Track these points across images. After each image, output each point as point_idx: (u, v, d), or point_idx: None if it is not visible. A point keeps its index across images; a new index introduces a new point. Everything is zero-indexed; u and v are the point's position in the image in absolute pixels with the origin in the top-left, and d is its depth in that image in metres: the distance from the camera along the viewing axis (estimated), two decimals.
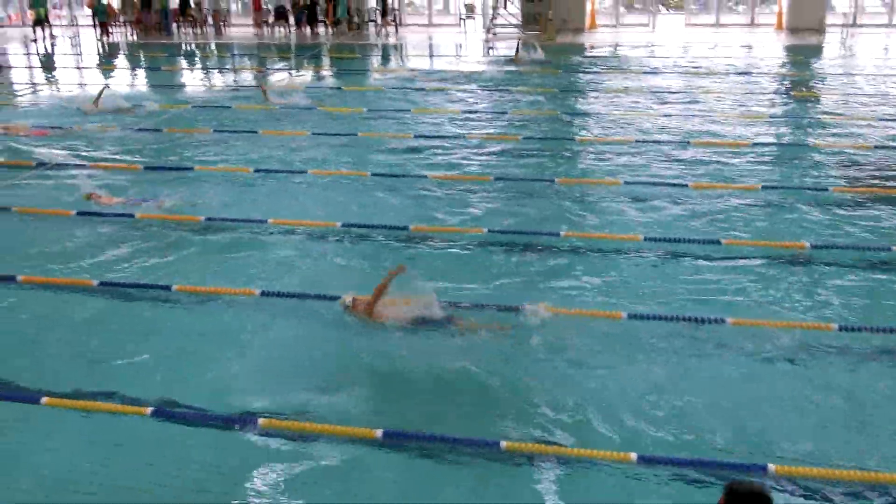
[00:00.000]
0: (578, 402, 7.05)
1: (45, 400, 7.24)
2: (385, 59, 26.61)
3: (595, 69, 23.36)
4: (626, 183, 12.91)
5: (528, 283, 9.52)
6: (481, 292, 9.22)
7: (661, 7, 34.89)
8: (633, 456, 6.18)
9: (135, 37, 31.59)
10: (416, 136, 15.85)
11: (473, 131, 16.41)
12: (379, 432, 6.57)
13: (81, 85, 23.76)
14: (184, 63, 27.55)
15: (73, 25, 34.59)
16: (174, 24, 31.92)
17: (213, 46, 29.65)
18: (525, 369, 7.64)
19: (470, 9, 32.34)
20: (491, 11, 30.64)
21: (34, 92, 23.31)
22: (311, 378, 7.64)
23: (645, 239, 10.54)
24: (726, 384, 7.30)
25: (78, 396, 7.34)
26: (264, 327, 8.66)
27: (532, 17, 29.87)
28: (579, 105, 19.00)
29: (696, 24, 32.18)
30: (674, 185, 12.82)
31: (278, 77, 22.80)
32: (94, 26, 31.54)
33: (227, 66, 25.68)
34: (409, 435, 6.60)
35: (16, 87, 24.11)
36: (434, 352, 7.98)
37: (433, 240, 10.81)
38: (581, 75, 22.56)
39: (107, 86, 20.05)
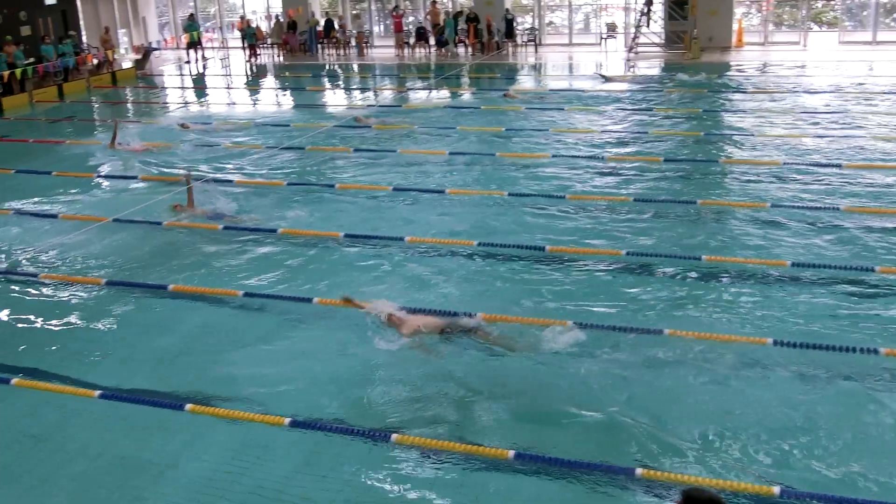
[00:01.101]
0: (720, 430, 6.77)
1: (188, 407, 7.48)
2: (524, 78, 26.57)
3: (741, 88, 22.65)
4: (773, 206, 12.39)
5: (667, 308, 9.25)
6: (619, 315, 9.01)
7: (812, 24, 33.55)
8: (776, 490, 5.86)
9: (281, 58, 32.73)
10: (554, 156, 15.70)
11: (613, 151, 16.14)
12: (511, 453, 6.50)
13: (230, 104, 24.76)
14: (327, 83, 28.33)
15: (223, 48, 36.15)
16: (319, 46, 32.90)
17: (355, 67, 30.39)
18: (662, 393, 7.42)
19: (611, 28, 31.97)
20: (633, 30, 30.21)
21: (186, 109, 24.44)
22: (445, 395, 7.63)
23: (792, 265, 10.07)
24: (879, 419, 6.86)
25: (219, 404, 7.58)
26: (398, 343, 8.71)
27: (676, 36, 29.27)
28: (724, 125, 18.41)
29: (850, 42, 30.75)
30: (824, 208, 12.21)
31: (420, 96, 23.16)
32: (244, 48, 32.88)
33: (369, 87, 26.21)
34: (542, 458, 6.48)
35: (170, 105, 25.33)
36: (560, 374, 7.86)
37: (570, 261, 10.66)
38: (727, 95, 21.91)
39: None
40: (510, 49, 30.90)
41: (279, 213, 13.21)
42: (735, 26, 30.48)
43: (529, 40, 31.56)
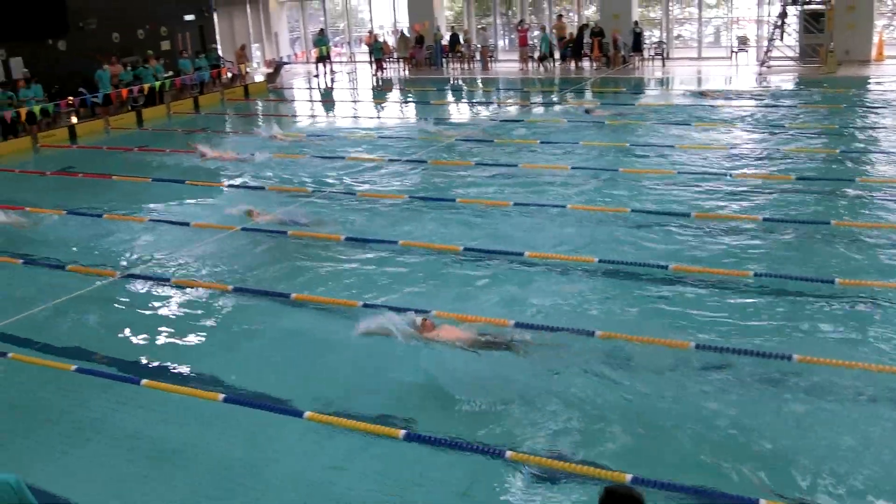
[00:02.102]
0: (849, 465, 6.43)
1: (308, 414, 7.60)
2: (650, 93, 26.10)
3: (881, 104, 21.59)
4: None
5: (797, 332, 8.87)
6: (748, 338, 8.69)
7: None
8: None
9: (406, 72, 33.20)
10: (679, 173, 15.32)
11: (742, 169, 15.62)
12: (629, 476, 6.35)
13: (355, 117, 25.22)
14: (451, 97, 28.55)
15: (351, 62, 36.93)
16: (444, 60, 33.21)
17: (479, 81, 30.53)
18: (792, 423, 7.11)
19: (743, 41, 31.06)
20: (766, 43, 29.29)
21: (314, 121, 25.06)
22: (563, 413, 7.52)
23: None
24: None
25: (337, 413, 7.67)
26: (509, 359, 8.64)
27: (811, 49, 28.22)
28: (862, 143, 17.57)
29: None
30: None
31: (538, 112, 23.04)
32: (371, 62, 33.51)
33: (492, 101, 26.26)
34: (661, 483, 6.28)
35: (300, 117, 26.02)
36: (681, 396, 7.64)
37: (695, 281, 10.35)
38: (865, 111, 20.92)
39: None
40: (637, 63, 30.41)
41: (399, 225, 13.35)
42: (875, 39, 29.14)
43: (657, 54, 31.01)
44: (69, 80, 25.83)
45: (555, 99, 25.15)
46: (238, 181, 16.94)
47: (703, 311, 9.55)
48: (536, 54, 31.40)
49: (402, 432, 7.21)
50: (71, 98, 25.01)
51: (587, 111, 22.45)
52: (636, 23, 30.57)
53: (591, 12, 33.85)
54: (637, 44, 30.36)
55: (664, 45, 31.37)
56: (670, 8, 32.72)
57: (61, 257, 12.75)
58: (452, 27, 34.66)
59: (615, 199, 14.13)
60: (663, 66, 30.46)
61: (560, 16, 32.08)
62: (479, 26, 34.83)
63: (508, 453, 6.81)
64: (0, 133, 22.75)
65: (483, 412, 7.66)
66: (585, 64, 30.99)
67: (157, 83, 26.78)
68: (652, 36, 32.69)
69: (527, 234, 12.57)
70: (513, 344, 8.83)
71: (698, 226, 12.43)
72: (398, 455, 7.10)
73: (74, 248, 13.28)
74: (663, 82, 26.20)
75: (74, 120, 24.73)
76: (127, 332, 10.11)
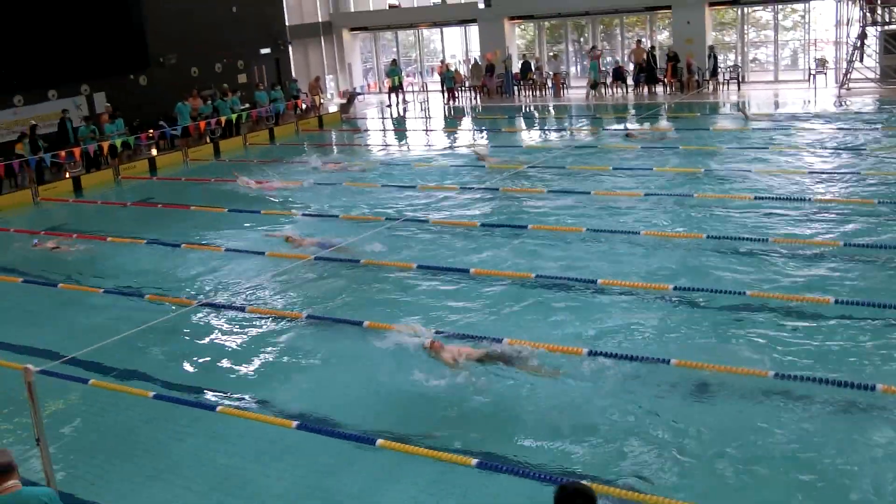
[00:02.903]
0: None
1: (379, 442, 7.57)
2: (725, 117, 25.65)
3: None
4: None
5: (880, 360, 8.54)
6: (828, 367, 8.41)
7: None
8: None
9: (478, 100, 33.31)
10: (757, 198, 14.96)
11: (821, 193, 15.22)
12: None
13: (427, 145, 25.35)
14: (522, 125, 28.53)
15: (423, 91, 37.23)
16: (515, 88, 33.24)
17: (551, 108, 30.46)
18: (873, 455, 6.87)
19: (821, 63, 30.39)
20: (845, 65, 28.60)
21: (386, 151, 25.29)
22: (639, 443, 7.39)
23: None
24: None
25: (409, 441, 7.63)
26: (586, 388, 8.51)
27: (892, 70, 27.47)
28: None
29: None
30: None
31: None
32: (443, 91, 33.73)
33: (564, 128, 26.13)
34: None
35: (372, 147, 26.29)
36: (759, 427, 7.40)
37: (773, 308, 10.07)
38: None
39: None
40: (712, 87, 29.99)
41: (471, 253, 13.33)
42: None
43: (732, 78, 30.54)
44: (150, 114, 26.59)
45: (627, 126, 24.90)
46: (311, 210, 17.12)
47: (781, 339, 9.28)
48: (630, 80, 31.18)
49: (474, 461, 7.12)
50: (151, 131, 25.72)
51: (628, 135, 22.38)
52: (711, 47, 30.19)
53: (664, 37, 33.55)
54: (712, 68, 29.96)
55: (739, 69, 30.89)
56: (745, 31, 32.27)
57: (140, 286, 13.05)
58: (524, 55, 34.71)
59: (690, 224, 13.88)
60: (739, 89, 29.97)
61: (639, 41, 31.82)
62: (551, 53, 34.79)
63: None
64: (84, 165, 23.49)
65: (553, 440, 7.55)
66: (659, 89, 30.67)
67: (234, 115, 27.37)
68: (727, 60, 32.20)
69: (600, 261, 12.43)
70: (520, 361, 8.91)
71: (776, 251, 12.11)
72: (473, 484, 7.03)
73: (153, 277, 13.57)
74: (739, 106, 25.70)
75: (154, 152, 25.41)
76: (203, 359, 10.27)
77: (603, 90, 31.24)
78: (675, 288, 10.82)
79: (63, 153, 22.35)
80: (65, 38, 24.66)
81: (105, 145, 23.39)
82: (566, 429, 7.75)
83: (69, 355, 8.87)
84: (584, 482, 4.53)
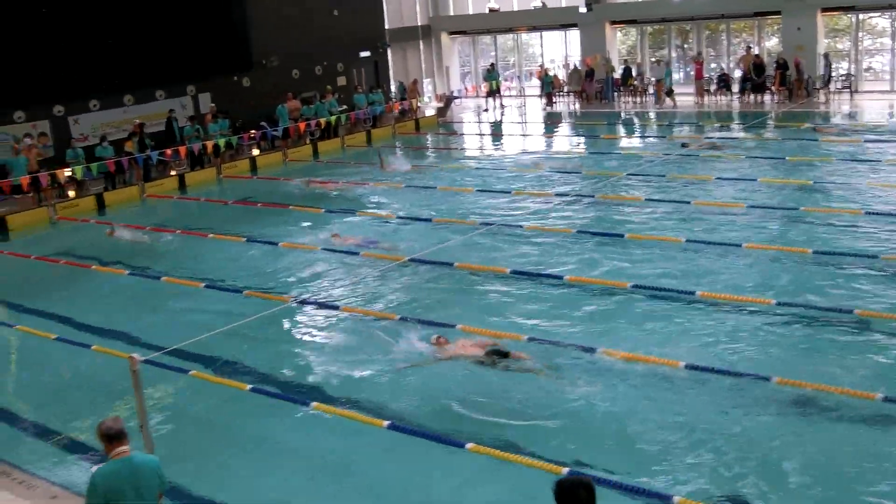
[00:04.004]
0: None
1: (469, 446, 7.52)
2: (837, 127, 24.73)
3: None
4: None
5: None
6: None
7: None
8: None
9: (577, 105, 32.99)
10: (867, 213, 14.37)
11: None
12: None
13: (523, 151, 25.20)
14: (622, 131, 28.14)
15: (521, 96, 37.07)
16: (615, 93, 32.82)
17: (652, 115, 29.94)
18: None
19: None
20: None
21: (482, 155, 25.25)
22: (739, 462, 7.17)
23: None
24: None
25: (500, 447, 7.56)
26: (682, 403, 8.31)
27: None
28: None
29: None
30: None
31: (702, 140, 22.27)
32: (541, 96, 33.53)
33: (664, 136, 25.62)
34: None
35: (468, 150, 26.31)
36: (867, 450, 7.09)
37: (884, 327, 9.64)
38: None
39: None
40: (823, 96, 28.99)
41: (566, 259, 13.19)
42: None
43: (844, 87, 29.47)
44: (252, 115, 27.19)
45: (731, 134, 24.30)
46: (405, 213, 17.20)
47: (891, 359, 8.89)
48: (735, 87, 30.47)
49: (565, 470, 7.00)
50: (253, 131, 26.30)
51: (684, 145, 22.00)
52: (826, 55, 29.21)
53: (773, 44, 32.62)
54: (824, 76, 28.97)
55: (852, 78, 29.79)
56: (860, 38, 31.11)
57: (239, 282, 13.33)
58: (625, 60, 34.25)
59: (795, 238, 13.43)
60: (851, 99, 28.91)
61: (749, 47, 31.00)
62: (654, 59, 34.24)
63: (676, 499, 6.49)
64: (188, 164, 24.17)
65: (653, 450, 7.39)
66: (766, 98, 29.82)
67: (333, 117, 27.76)
68: (839, 68, 31.09)
69: (699, 272, 12.13)
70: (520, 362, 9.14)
71: (886, 268, 11.61)
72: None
73: (252, 274, 13.85)
74: (851, 116, 24.76)
75: (256, 152, 25.96)
76: (298, 355, 10.43)
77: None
78: (778, 303, 10.47)
79: (169, 151, 23.04)
80: (173, 40, 25.42)
81: (209, 144, 24.01)
82: (658, 442, 7.58)
83: (172, 346, 9.09)
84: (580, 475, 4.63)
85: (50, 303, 13.36)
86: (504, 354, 9.34)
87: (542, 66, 35.50)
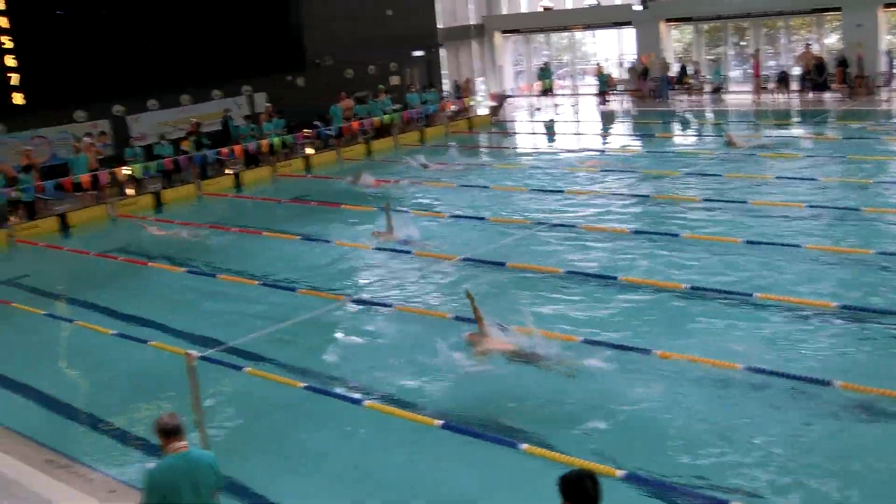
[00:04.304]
0: None
1: (524, 447, 7.46)
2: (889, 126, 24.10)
3: None
4: None
5: None
6: None
7: None
8: None
9: (631, 104, 32.67)
10: None
11: None
12: None
13: (577, 150, 25.03)
14: (677, 130, 27.80)
15: (574, 94, 36.84)
16: (671, 92, 32.43)
17: (708, 113, 29.52)
18: None
19: None
20: None
21: (535, 154, 25.12)
22: (803, 470, 7.02)
23: None
24: None
25: (555, 449, 7.50)
26: (740, 406, 8.16)
27: None
28: None
29: None
30: None
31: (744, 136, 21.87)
32: (596, 95, 33.28)
33: (721, 134, 25.20)
34: None
35: (521, 150, 26.20)
36: None
37: None
38: None
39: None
40: (887, 94, 28.28)
41: (621, 259, 13.06)
42: None
43: None
44: (306, 114, 27.42)
45: (793, 132, 23.85)
46: (459, 212, 17.16)
47: None
48: (794, 85, 29.91)
49: (620, 472, 6.91)
50: (307, 130, 26.49)
51: (728, 143, 21.79)
52: (889, 52, 28.52)
53: (832, 41, 31.95)
54: (886, 74, 28.27)
55: None
56: None
57: (294, 280, 13.42)
58: (681, 58, 33.85)
59: (857, 239, 13.12)
60: None
61: (808, 44, 30.41)
62: (710, 57, 33.77)
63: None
64: (244, 162, 24.44)
65: (710, 455, 7.27)
66: (826, 95, 29.22)
67: (386, 116, 27.84)
68: None
69: (757, 273, 11.91)
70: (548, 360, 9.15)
71: None
72: (619, 498, 6.83)
73: (305, 272, 13.94)
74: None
75: (310, 151, 26.16)
76: (351, 353, 10.45)
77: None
78: (841, 306, 10.23)
79: (225, 150, 23.31)
80: (229, 41, 25.74)
81: (264, 143, 24.25)
82: (715, 445, 7.47)
83: (228, 343, 9.18)
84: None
85: (109, 299, 13.60)
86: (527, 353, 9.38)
87: (598, 64, 35.14)
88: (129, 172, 21.64)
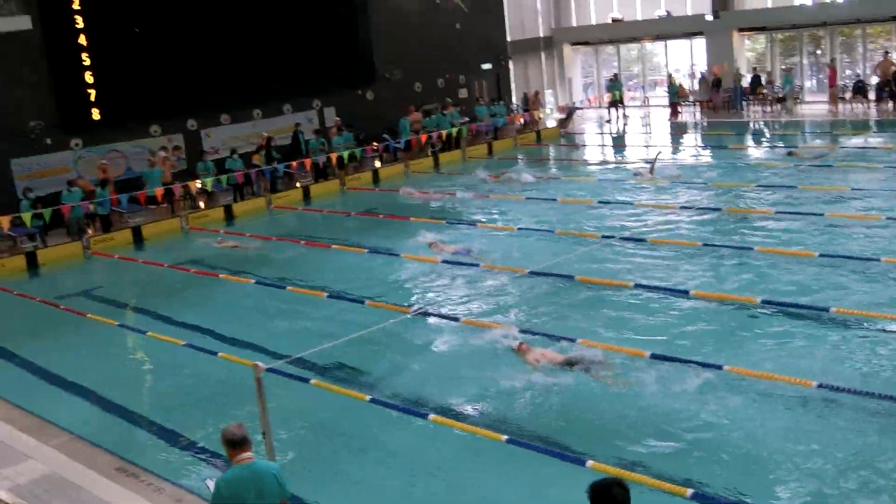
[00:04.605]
0: None
1: (590, 463, 7.34)
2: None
3: None
4: None
5: None
6: None
7: None
8: None
9: (703, 115, 32.13)
10: None
11: None
12: None
13: (646, 162, 24.70)
14: (750, 141, 27.23)
15: (644, 106, 36.39)
16: (744, 102, 31.81)
17: (782, 124, 28.87)
18: None
19: None
20: None
21: (604, 166, 24.85)
22: (873, 487, 6.74)
23: None
24: None
25: (622, 465, 7.36)
26: (814, 424, 7.90)
27: None
28: None
29: None
30: None
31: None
32: (668, 105, 32.78)
33: (796, 145, 24.60)
34: None
35: (590, 162, 25.97)
36: None
37: None
38: None
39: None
40: None
41: (691, 273, 12.82)
42: None
43: None
44: (375, 127, 27.62)
45: (870, 143, 23.19)
46: (526, 224, 17.06)
47: None
48: (872, 95, 29.15)
49: (689, 491, 6.74)
50: (375, 144, 26.68)
51: (790, 154, 21.67)
52: None
53: None
54: None
55: None
56: None
57: (361, 292, 13.47)
58: (754, 68, 33.21)
59: None
60: None
61: (887, 53, 29.57)
62: (784, 67, 33.06)
63: None
64: (313, 176, 24.70)
65: (783, 474, 7.05)
66: (890, 105, 28.32)
67: (454, 129, 27.88)
68: None
69: (833, 288, 11.57)
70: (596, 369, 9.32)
71: None
72: None
73: (373, 284, 13.98)
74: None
75: (378, 164, 26.32)
76: (416, 366, 10.43)
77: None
78: None
79: (295, 164, 23.60)
80: (300, 56, 26.14)
81: (333, 157, 24.48)
82: (789, 465, 7.25)
83: (295, 355, 9.24)
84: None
85: (179, 310, 13.85)
86: (576, 363, 9.58)
87: (670, 75, 34.64)
88: (201, 186, 22.05)
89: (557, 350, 9.85)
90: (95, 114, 22.27)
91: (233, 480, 5.62)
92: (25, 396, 10.86)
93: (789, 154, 21.67)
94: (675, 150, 26.64)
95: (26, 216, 18.64)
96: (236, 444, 5.68)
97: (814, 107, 30.55)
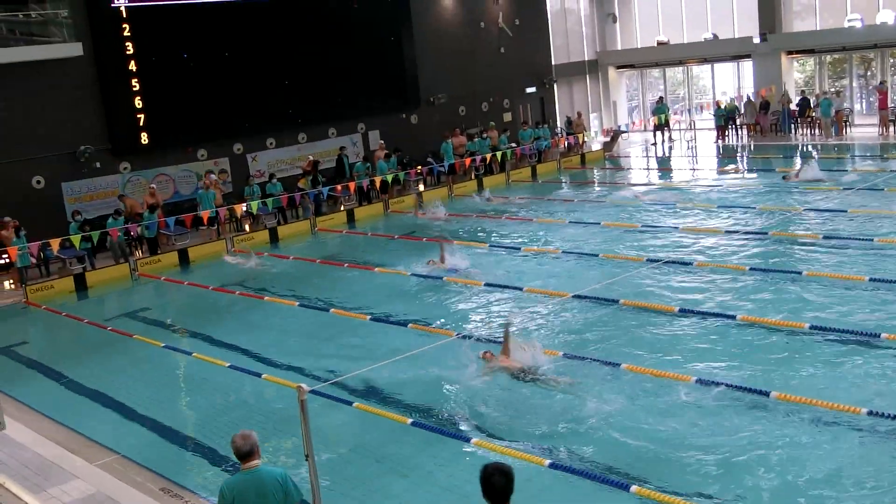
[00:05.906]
0: None
1: (634, 489, 7.25)
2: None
3: None
4: None
5: None
6: None
7: None
8: None
9: (751, 139, 31.78)
10: None
11: None
12: None
13: (691, 185, 24.43)
14: (799, 165, 26.79)
15: (690, 129, 36.10)
16: (792, 126, 31.43)
17: (832, 147, 28.43)
18: None
19: None
20: None
21: (649, 190, 24.67)
22: None
23: None
24: None
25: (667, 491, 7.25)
26: (865, 453, 7.71)
27: None
28: None
29: None
30: None
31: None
32: (715, 128, 32.47)
33: (846, 169, 24.20)
34: None
35: (635, 185, 25.80)
36: None
37: None
38: None
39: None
40: None
41: (738, 298, 12.63)
42: None
43: None
44: (419, 151, 27.74)
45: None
46: (569, 246, 16.97)
47: None
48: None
49: None
50: (419, 167, 26.78)
51: (784, 178, 22.10)
52: None
53: None
54: None
55: None
56: None
57: (404, 316, 13.47)
58: (802, 91, 32.84)
59: None
60: None
61: None
62: (833, 89, 32.64)
63: None
64: (357, 199, 24.85)
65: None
66: None
67: (498, 153, 27.89)
68: None
69: (884, 314, 11.32)
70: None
71: None
72: None
73: (416, 308, 13.99)
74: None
75: (422, 188, 26.41)
76: (460, 390, 10.35)
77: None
78: None
79: (339, 187, 23.76)
80: (345, 80, 26.42)
81: (377, 180, 24.62)
82: (839, 495, 7.05)
83: (338, 377, 9.25)
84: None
85: (224, 331, 13.97)
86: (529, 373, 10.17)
87: (718, 99, 34.29)
88: (247, 209, 22.28)
89: (518, 360, 10.40)
90: (144, 138, 22.67)
91: (235, 484, 5.87)
92: (73, 416, 11.01)
93: (784, 179, 22.13)
94: (721, 174, 26.30)
95: (75, 238, 18.98)
96: (243, 457, 5.88)
97: (864, 130, 30.06)
